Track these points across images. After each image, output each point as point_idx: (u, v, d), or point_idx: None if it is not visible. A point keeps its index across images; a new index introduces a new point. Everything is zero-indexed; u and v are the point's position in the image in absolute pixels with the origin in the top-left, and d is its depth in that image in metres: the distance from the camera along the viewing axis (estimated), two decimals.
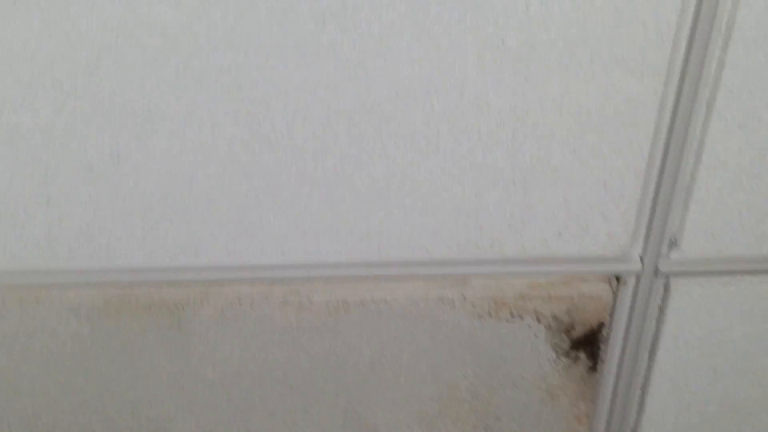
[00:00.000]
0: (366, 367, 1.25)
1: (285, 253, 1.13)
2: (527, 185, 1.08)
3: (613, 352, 1.26)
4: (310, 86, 0.99)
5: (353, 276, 1.16)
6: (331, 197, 1.08)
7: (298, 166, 1.05)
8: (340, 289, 1.18)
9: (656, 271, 1.16)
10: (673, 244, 1.15)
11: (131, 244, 1.11)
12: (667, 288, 1.18)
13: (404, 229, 1.11)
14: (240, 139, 1.03)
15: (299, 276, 1.16)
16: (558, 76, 0.99)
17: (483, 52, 0.97)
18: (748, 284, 1.18)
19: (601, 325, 1.21)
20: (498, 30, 0.95)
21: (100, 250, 1.12)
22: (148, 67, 0.97)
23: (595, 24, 0.95)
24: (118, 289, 1.17)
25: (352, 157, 1.05)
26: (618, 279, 1.19)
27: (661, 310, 1.21)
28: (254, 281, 1.17)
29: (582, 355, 1.25)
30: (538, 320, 1.21)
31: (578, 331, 1.22)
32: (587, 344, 1.23)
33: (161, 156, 1.04)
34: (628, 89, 1.01)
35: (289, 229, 1.11)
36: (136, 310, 1.18)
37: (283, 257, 1.13)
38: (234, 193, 1.07)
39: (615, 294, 1.19)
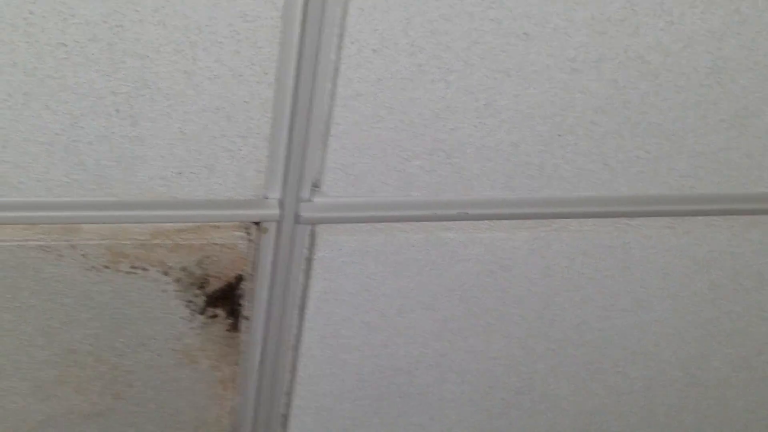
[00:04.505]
0: None
1: None
2: (134, 113, 0.90)
3: (258, 308, 1.11)
4: None
5: None
6: None
7: None
8: None
9: (297, 218, 1.01)
10: (315, 187, 1.00)
11: None
12: (313, 237, 1.05)
13: None
14: None
15: None
16: None
17: None
18: (399, 233, 1.06)
19: (239, 278, 1.06)
20: None
21: None
22: None
23: None
24: None
25: None
26: (259, 226, 1.03)
27: (308, 261, 1.07)
28: None
29: (221, 313, 1.09)
30: (166, 273, 1.04)
31: (214, 286, 1.06)
32: (225, 300, 1.08)
33: None
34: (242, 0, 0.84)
35: None
36: None
37: None
38: None
39: (255, 243, 1.04)
